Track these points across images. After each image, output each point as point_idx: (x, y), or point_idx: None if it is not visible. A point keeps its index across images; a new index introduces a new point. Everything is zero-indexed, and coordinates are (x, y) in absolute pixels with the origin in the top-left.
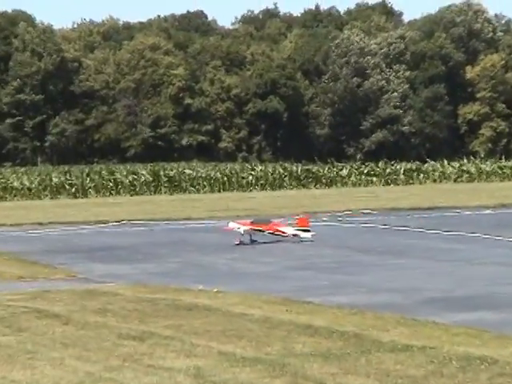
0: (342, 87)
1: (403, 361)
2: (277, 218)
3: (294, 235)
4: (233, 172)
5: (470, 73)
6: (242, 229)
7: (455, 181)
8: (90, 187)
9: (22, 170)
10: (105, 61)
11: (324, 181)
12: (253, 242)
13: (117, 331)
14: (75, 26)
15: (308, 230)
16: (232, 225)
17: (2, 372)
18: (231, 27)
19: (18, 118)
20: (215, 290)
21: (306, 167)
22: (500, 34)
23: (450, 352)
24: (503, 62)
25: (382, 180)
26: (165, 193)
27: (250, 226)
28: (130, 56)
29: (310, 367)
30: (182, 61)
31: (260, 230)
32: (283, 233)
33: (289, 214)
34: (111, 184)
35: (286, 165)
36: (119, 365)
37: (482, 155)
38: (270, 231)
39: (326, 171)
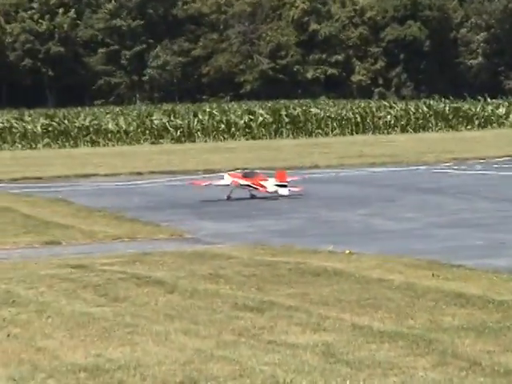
0: (501, 7)
1: None
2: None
3: (274, 191)
4: (368, 111)
5: None
6: (225, 182)
7: None
8: (197, 130)
9: (118, 109)
10: None
11: (476, 121)
12: (252, 197)
13: (231, 301)
14: None
15: (285, 186)
16: (227, 178)
17: (97, 349)
18: None
19: (112, 47)
20: (347, 252)
21: (455, 105)
22: None
23: None
24: None
25: None
26: (287, 136)
27: (239, 180)
28: None
29: (461, 343)
30: None
31: (248, 185)
32: (263, 187)
33: (434, 161)
34: (223, 126)
35: (431, 102)
36: (234, 340)
37: None
38: (254, 185)
39: (478, 109)
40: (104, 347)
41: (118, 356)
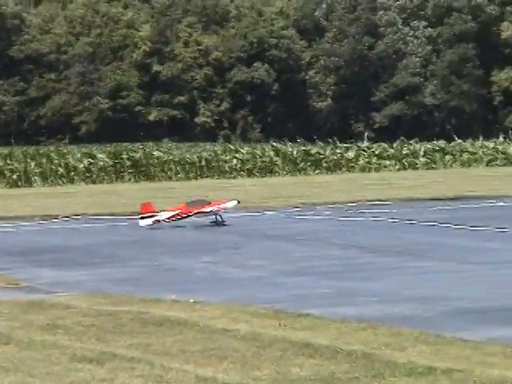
0: (350, 49)
1: None
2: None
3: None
4: (212, 154)
5: (507, 31)
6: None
7: (488, 164)
8: (35, 174)
9: None
10: (53, 17)
11: (325, 165)
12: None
13: (69, 352)
14: None
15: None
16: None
17: None
18: None
19: None
20: (191, 301)
21: (304, 148)
22: None
23: (483, 376)
24: None
25: (398, 164)
26: (128, 180)
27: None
28: (84, 11)
29: None
30: (148, 17)
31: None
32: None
33: (282, 206)
34: (61, 170)
35: (279, 145)
36: None
37: None
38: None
39: (328, 153)
40: None
41: None
